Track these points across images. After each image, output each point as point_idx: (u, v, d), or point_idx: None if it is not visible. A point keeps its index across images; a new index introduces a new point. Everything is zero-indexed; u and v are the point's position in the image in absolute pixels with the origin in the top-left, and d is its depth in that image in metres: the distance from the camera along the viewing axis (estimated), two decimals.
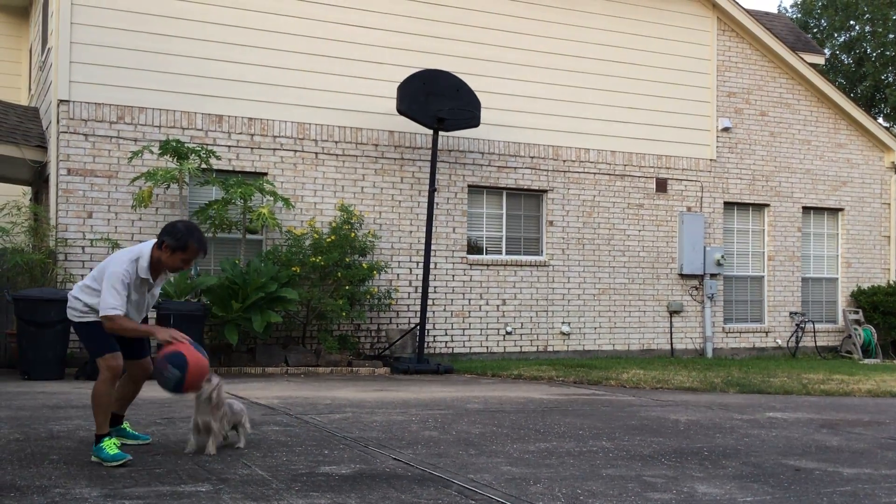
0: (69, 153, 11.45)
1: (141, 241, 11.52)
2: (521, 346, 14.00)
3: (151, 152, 11.43)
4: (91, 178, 11.53)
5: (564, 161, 14.41)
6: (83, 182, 11.49)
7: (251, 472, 5.00)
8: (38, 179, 13.55)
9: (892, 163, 17.43)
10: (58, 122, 11.45)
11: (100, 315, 5.17)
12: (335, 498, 4.46)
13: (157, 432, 6.24)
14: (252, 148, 12.38)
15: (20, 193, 14.88)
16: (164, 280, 5.57)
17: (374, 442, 6.12)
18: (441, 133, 12.94)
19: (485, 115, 13.11)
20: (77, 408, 7.50)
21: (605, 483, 5.00)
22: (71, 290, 5.48)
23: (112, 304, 5.12)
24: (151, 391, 8.84)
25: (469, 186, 13.77)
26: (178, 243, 5.26)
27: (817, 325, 16.52)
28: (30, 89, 15.30)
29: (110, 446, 5.14)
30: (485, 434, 6.61)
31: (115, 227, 11.59)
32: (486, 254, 13.97)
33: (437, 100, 12.42)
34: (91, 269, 11.26)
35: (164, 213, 11.76)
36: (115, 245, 11.26)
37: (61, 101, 11.42)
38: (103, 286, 5.17)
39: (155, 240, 5.43)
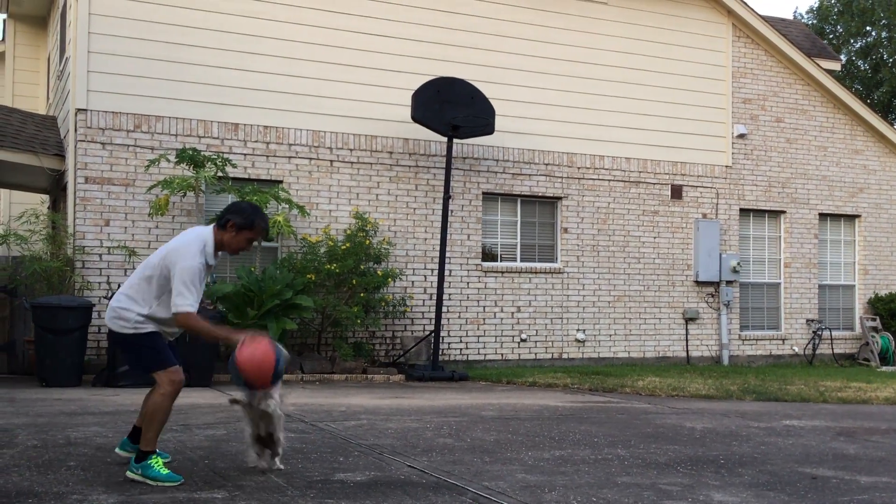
0: (87, 162, 11.54)
1: (157, 249, 11.69)
2: (535, 354, 13.98)
3: (168, 160, 11.50)
4: (108, 186, 11.62)
5: (579, 168, 14.40)
6: (100, 190, 11.58)
7: (266, 478, 5.01)
8: (55, 188, 13.66)
9: None
10: (75, 130, 11.55)
11: (176, 312, 4.82)
12: None
13: (174, 439, 6.26)
14: (267, 156, 12.44)
15: (38, 202, 15.00)
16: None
17: (389, 449, 6.13)
18: (455, 140, 12.96)
19: (499, 122, 13.12)
20: (94, 414, 7.55)
21: (621, 491, 4.99)
22: (115, 299, 5.06)
23: (189, 300, 4.82)
24: None
25: (483, 194, 13.77)
26: (245, 221, 5.14)
27: (834, 333, 16.41)
28: (48, 98, 15.44)
29: (160, 465, 4.87)
30: (500, 441, 6.61)
31: (132, 234, 11.66)
32: (501, 261, 13.97)
33: (452, 107, 12.44)
34: (108, 276, 11.42)
35: (181, 221, 11.82)
36: (132, 253, 11.33)
37: (79, 109, 11.52)
38: (176, 281, 4.83)
39: (205, 227, 5.21)
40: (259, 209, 5.32)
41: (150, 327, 4.97)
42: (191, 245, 4.96)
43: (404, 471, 5.40)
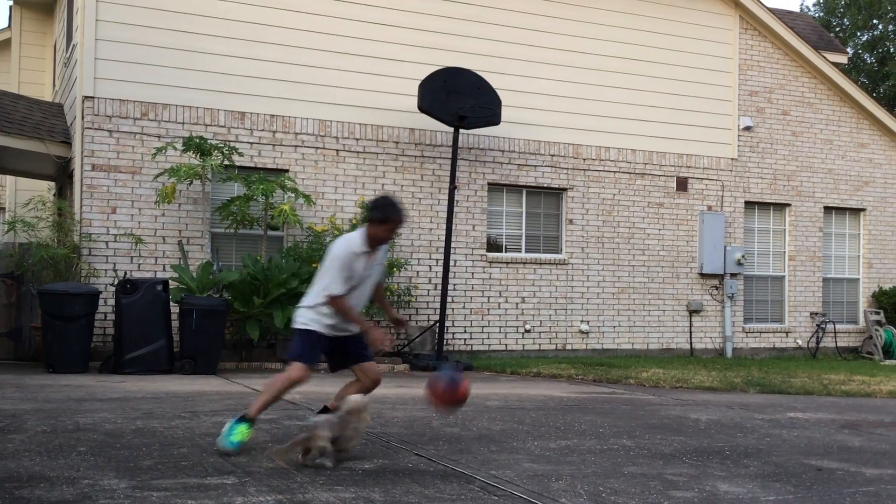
0: (94, 149, 11.56)
1: (164, 237, 11.76)
2: (539, 344, 14.01)
3: (175, 149, 11.52)
4: (115, 173, 11.64)
5: (584, 159, 14.39)
6: (107, 178, 11.60)
7: (275, 465, 5.04)
8: (62, 175, 13.68)
9: None
10: (82, 118, 11.57)
11: (323, 296, 5.44)
12: (359, 492, 4.50)
13: (182, 426, 6.30)
14: (274, 145, 12.45)
15: (45, 189, 15.03)
16: (379, 260, 5.72)
17: (396, 437, 6.16)
18: (462, 131, 12.96)
19: (505, 113, 13.11)
20: (102, 401, 7.59)
21: (627, 481, 5.01)
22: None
23: (331, 285, 5.41)
24: (173, 385, 8.94)
25: (489, 184, 13.78)
26: (382, 216, 5.53)
27: (838, 326, 16.43)
28: (54, 85, 15.45)
29: (242, 433, 5.34)
30: (506, 431, 6.64)
31: (139, 222, 11.68)
32: (506, 252, 13.99)
33: (459, 98, 12.44)
34: (114, 263, 11.48)
35: (187, 209, 11.85)
36: (139, 241, 11.37)
37: (86, 97, 11.53)
38: (324, 271, 5.50)
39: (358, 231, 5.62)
40: (393, 203, 5.68)
41: (299, 324, 5.79)
42: (340, 243, 5.54)
43: (412, 459, 5.43)
